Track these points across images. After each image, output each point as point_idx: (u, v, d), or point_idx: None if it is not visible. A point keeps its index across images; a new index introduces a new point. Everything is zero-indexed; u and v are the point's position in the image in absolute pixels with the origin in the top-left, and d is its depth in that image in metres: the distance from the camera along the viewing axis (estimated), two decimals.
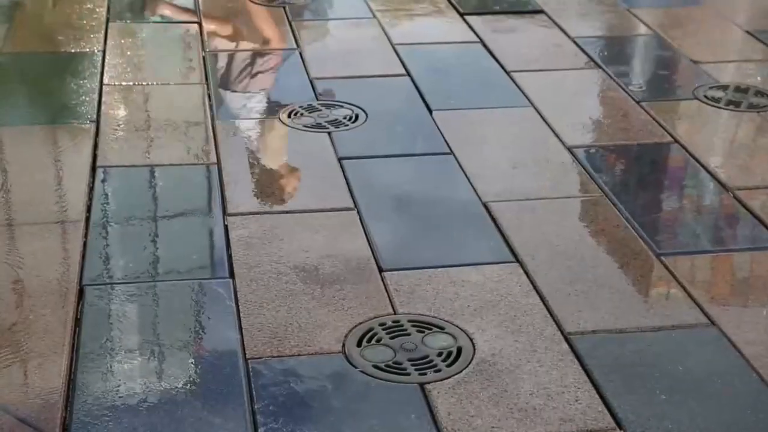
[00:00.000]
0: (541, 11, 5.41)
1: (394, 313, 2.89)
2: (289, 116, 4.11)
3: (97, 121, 4.02)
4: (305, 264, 3.11)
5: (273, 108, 4.19)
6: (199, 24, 5.12)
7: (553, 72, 4.64)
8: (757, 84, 4.45)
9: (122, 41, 4.87)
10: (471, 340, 2.79)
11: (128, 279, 3.02)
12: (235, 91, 4.36)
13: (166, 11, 5.31)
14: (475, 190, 3.58)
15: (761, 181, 3.68)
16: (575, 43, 4.98)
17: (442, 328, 2.84)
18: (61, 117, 4.06)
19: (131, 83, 4.40)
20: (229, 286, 2.99)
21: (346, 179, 3.63)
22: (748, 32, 5.11)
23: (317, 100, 4.24)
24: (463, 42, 4.99)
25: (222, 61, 4.67)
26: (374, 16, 5.29)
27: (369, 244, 3.23)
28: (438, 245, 3.22)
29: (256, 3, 5.44)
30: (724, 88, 4.44)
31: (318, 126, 4.04)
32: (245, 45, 4.90)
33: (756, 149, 3.95)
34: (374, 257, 3.16)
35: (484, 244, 3.26)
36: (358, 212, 3.42)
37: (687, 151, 3.90)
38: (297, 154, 3.81)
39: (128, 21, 5.15)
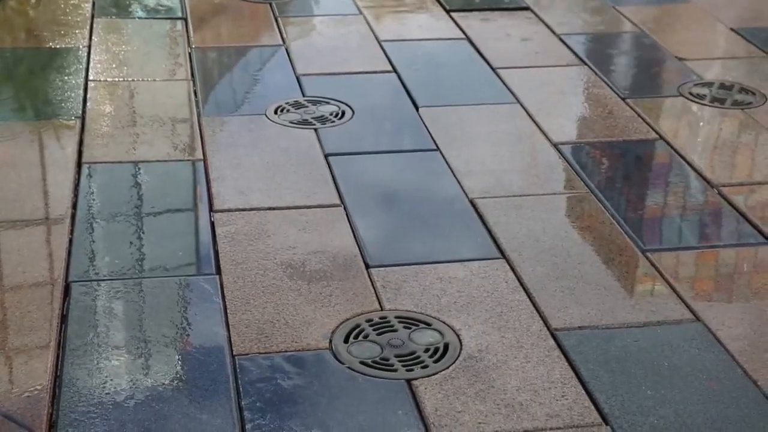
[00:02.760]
0: (526, 8, 5.42)
1: (381, 310, 2.90)
2: (275, 112, 4.11)
3: (83, 117, 4.01)
4: (292, 260, 3.11)
5: (259, 104, 4.18)
6: (185, 20, 5.11)
7: (539, 69, 4.65)
8: (741, 81, 4.47)
9: (107, 37, 4.85)
10: (458, 336, 2.80)
11: (114, 276, 3.01)
12: (222, 88, 4.36)
13: None
14: (461, 187, 3.58)
15: (746, 178, 3.70)
16: (561, 39, 4.99)
17: (428, 324, 2.84)
18: (46, 113, 4.05)
19: (117, 79, 4.39)
20: (215, 283, 2.99)
21: (332, 176, 3.63)
22: (732, 29, 5.13)
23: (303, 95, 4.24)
24: (449, 38, 5.00)
25: (208, 57, 4.66)
26: (360, 13, 5.29)
27: (356, 240, 3.23)
28: (425, 241, 3.23)
29: None
30: (709, 85, 4.46)
31: (304, 122, 4.03)
32: (231, 41, 4.90)
33: (740, 146, 3.97)
34: (361, 253, 3.16)
35: (471, 240, 3.27)
36: (344, 209, 3.42)
37: (672, 147, 3.92)
38: (283, 151, 3.81)
39: (113, 17, 5.13)
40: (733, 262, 3.19)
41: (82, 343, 2.71)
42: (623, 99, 4.34)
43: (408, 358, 2.71)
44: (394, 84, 4.43)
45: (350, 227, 3.31)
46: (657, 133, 4.04)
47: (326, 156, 3.77)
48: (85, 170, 3.62)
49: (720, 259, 3.21)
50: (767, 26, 5.18)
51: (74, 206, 3.38)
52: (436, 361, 2.69)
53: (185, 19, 5.12)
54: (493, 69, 4.62)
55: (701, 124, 4.16)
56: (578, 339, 2.80)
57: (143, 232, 3.25)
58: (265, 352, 2.70)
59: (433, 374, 2.64)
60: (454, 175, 3.66)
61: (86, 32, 4.88)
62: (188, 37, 4.89)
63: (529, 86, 4.44)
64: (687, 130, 4.08)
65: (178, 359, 2.67)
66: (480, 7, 5.44)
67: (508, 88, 4.42)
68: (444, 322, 2.85)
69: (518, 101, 4.29)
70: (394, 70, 4.55)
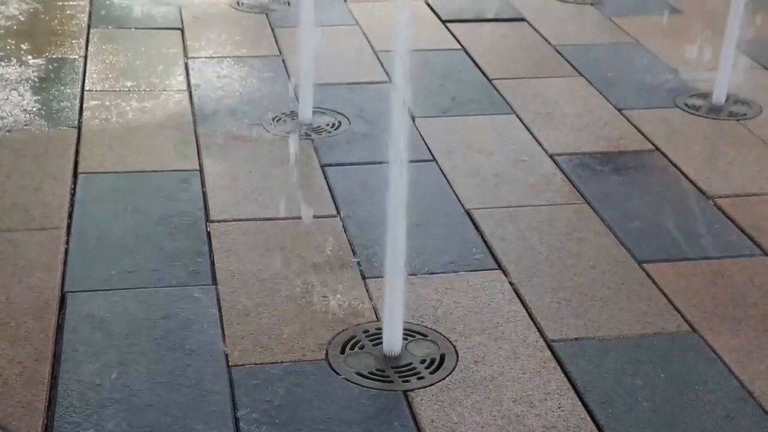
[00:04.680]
0: (522, 19, 5.43)
1: (377, 321, 2.89)
2: (272, 123, 4.11)
3: (79, 127, 4.01)
4: (288, 271, 3.11)
5: (256, 115, 4.18)
6: (182, 30, 5.11)
7: (535, 79, 4.66)
8: (736, 92, 4.47)
9: (104, 47, 4.85)
10: (454, 347, 2.80)
11: (110, 286, 3.00)
12: (218, 98, 4.35)
13: None
14: (457, 198, 3.59)
15: (741, 189, 3.71)
16: (557, 50, 5.00)
17: (425, 336, 2.84)
18: (43, 123, 4.05)
19: (113, 89, 4.39)
20: (211, 294, 2.99)
21: (329, 186, 3.63)
22: None
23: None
24: (446, 49, 5.01)
25: (204, 68, 4.66)
26: (356, 23, 5.30)
27: (352, 251, 3.23)
28: (420, 252, 3.22)
29: (238, 10, 5.45)
30: (705, 96, 4.47)
31: (300, 133, 4.04)
32: (228, 52, 4.90)
33: (736, 157, 3.98)
34: (357, 264, 3.16)
35: (467, 251, 3.27)
36: (341, 219, 3.42)
37: (668, 158, 3.93)
38: (280, 161, 3.81)
39: (110, 27, 5.13)
40: (729, 273, 3.19)
41: (78, 353, 2.70)
42: (619, 110, 4.34)
43: (404, 369, 2.70)
44: (390, 94, 4.42)
45: (347, 238, 3.30)
46: (653, 144, 4.05)
47: (323, 166, 3.77)
48: (81, 180, 3.61)
49: (715, 270, 3.21)
50: (762, 37, 5.19)
51: (70, 216, 3.37)
52: (432, 373, 2.69)
53: (181, 30, 5.12)
54: (488, 80, 4.63)
55: (697, 135, 4.17)
56: (574, 350, 2.80)
57: (139, 243, 3.24)
58: (261, 363, 2.70)
59: (430, 385, 2.64)
60: (450, 186, 3.67)
61: (83, 42, 4.88)
62: (185, 47, 4.89)
63: (525, 97, 4.45)
64: (683, 141, 4.09)
65: (174, 370, 2.66)
66: (476, 18, 5.45)
67: (504, 99, 4.42)
68: (440, 333, 2.85)
69: (514, 112, 4.30)
70: (390, 81, 4.54)
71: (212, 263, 3.14)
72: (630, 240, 3.35)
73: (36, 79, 4.46)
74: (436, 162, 3.84)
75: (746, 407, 2.60)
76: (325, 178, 3.69)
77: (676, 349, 2.82)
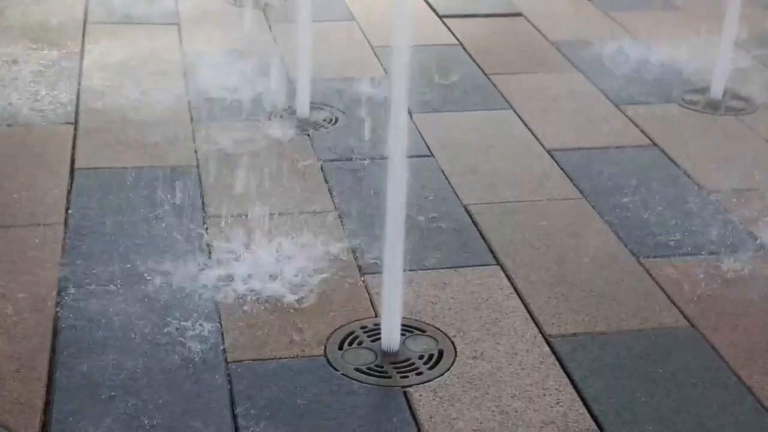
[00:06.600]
0: (520, 14, 5.43)
1: (376, 316, 2.89)
2: (268, 119, 4.11)
3: (76, 123, 4.00)
4: (286, 267, 3.10)
5: (253, 110, 4.17)
6: (178, 26, 5.10)
7: (533, 75, 4.66)
8: (734, 88, 4.47)
9: (100, 43, 4.84)
10: (452, 342, 2.79)
11: (108, 281, 3.00)
12: (215, 94, 4.34)
13: None
14: (455, 193, 3.58)
15: (739, 184, 3.71)
16: (554, 46, 5.00)
17: (423, 331, 2.84)
18: (40, 119, 4.04)
19: (109, 85, 4.38)
20: (211, 291, 2.98)
21: (326, 182, 3.63)
22: None
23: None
24: (443, 44, 5.00)
25: (201, 64, 4.65)
26: (354, 18, 5.29)
27: (350, 246, 3.23)
28: (418, 248, 3.22)
29: (235, 5, 5.43)
30: (702, 91, 4.47)
31: (298, 128, 4.03)
32: (224, 47, 4.88)
33: (733, 152, 3.98)
34: (355, 260, 3.16)
35: (465, 246, 3.26)
36: (338, 215, 3.41)
37: (665, 154, 3.93)
38: (277, 157, 3.80)
39: (106, 23, 5.11)
40: (727, 268, 3.19)
41: (76, 350, 2.70)
42: (617, 105, 4.34)
43: (403, 365, 2.70)
44: (387, 90, 4.42)
45: (344, 233, 3.30)
46: (650, 139, 4.05)
47: (320, 162, 3.77)
48: (78, 176, 3.60)
49: (714, 265, 3.21)
50: (760, 33, 5.19)
51: (67, 212, 3.37)
52: (430, 368, 2.69)
53: (178, 25, 5.11)
54: (486, 75, 4.63)
55: (694, 130, 4.17)
56: (573, 346, 2.80)
57: (136, 239, 3.24)
58: (259, 359, 2.69)
59: (428, 381, 2.64)
60: (448, 182, 3.66)
61: (79, 38, 4.87)
62: (181, 43, 4.88)
63: (523, 92, 4.44)
64: (681, 137, 4.09)
65: (172, 366, 2.65)
66: (473, 14, 5.44)
67: (502, 95, 4.42)
68: (438, 329, 2.85)
69: (512, 107, 4.30)
70: (388, 76, 4.54)
71: (211, 260, 3.13)
72: (628, 235, 3.34)
73: (32, 75, 4.45)
74: (434, 157, 3.83)
75: (745, 402, 2.60)
76: (323, 173, 3.69)
77: (674, 345, 2.82)
